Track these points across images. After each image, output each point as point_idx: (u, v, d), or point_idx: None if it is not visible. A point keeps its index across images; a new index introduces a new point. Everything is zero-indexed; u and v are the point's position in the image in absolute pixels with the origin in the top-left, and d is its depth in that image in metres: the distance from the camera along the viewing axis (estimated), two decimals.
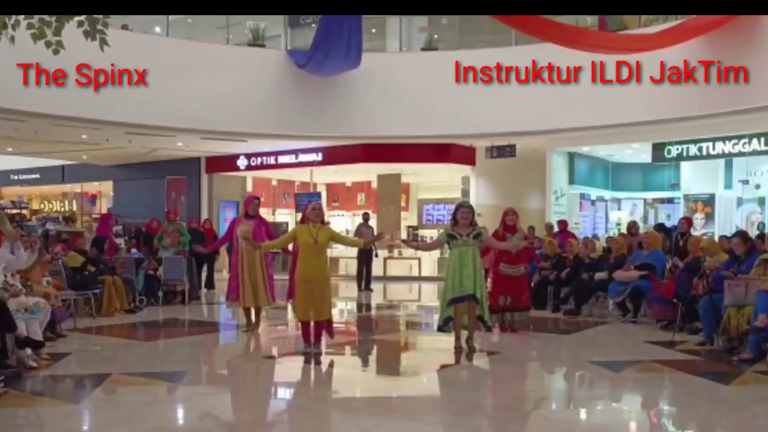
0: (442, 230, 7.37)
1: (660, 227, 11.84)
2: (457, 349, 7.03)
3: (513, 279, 8.42)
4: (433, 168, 18.15)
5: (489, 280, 8.57)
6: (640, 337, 8.04)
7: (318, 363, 6.75)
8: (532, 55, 12.17)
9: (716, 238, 10.15)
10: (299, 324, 7.14)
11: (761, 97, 11.07)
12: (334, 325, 7.49)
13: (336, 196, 21.71)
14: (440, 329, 7.17)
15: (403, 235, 17.34)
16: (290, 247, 7.61)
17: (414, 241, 13.69)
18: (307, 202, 7.62)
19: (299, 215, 8.18)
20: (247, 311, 8.52)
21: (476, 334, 7.24)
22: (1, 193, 24.11)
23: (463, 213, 7.06)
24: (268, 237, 8.42)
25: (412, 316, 11.57)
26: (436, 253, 15.54)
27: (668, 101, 12.07)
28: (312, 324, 6.97)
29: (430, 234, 17.84)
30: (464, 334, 7.14)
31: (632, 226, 11.58)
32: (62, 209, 23.69)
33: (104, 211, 21.99)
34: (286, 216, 20.98)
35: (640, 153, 15.58)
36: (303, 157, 17.75)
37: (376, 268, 15.37)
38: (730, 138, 13.40)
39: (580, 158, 16.10)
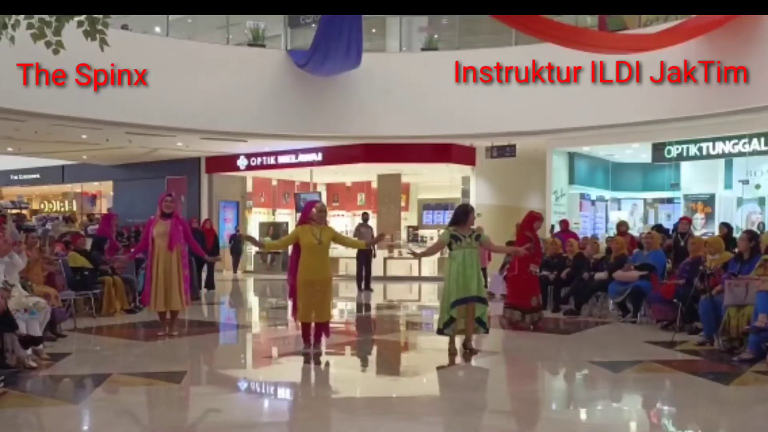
0: (443, 231, 7.26)
1: (658, 229, 11.85)
2: (451, 351, 6.92)
3: (537, 279, 8.85)
4: (433, 168, 18.14)
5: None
6: (640, 337, 8.03)
7: (318, 363, 6.75)
8: (532, 55, 12.17)
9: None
10: (299, 324, 7.13)
11: (761, 97, 11.07)
12: (334, 325, 7.47)
13: (336, 196, 21.72)
14: (440, 332, 6.98)
15: (403, 234, 17.29)
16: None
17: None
18: (307, 202, 7.51)
19: (299, 215, 8.11)
20: (161, 316, 8.04)
21: (475, 336, 7.21)
22: (1, 193, 24.12)
23: (472, 215, 7.09)
24: (185, 238, 7.98)
25: (411, 316, 11.57)
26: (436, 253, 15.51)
27: (668, 101, 12.06)
28: (312, 325, 6.97)
29: (430, 234, 17.83)
30: (461, 337, 7.06)
31: (621, 225, 11.62)
32: (62, 209, 23.72)
33: (104, 210, 22.01)
34: (286, 216, 20.99)
35: (640, 153, 15.58)
36: (303, 157, 17.76)
37: (376, 268, 15.37)
38: (730, 138, 13.40)
39: (580, 158, 16.09)
